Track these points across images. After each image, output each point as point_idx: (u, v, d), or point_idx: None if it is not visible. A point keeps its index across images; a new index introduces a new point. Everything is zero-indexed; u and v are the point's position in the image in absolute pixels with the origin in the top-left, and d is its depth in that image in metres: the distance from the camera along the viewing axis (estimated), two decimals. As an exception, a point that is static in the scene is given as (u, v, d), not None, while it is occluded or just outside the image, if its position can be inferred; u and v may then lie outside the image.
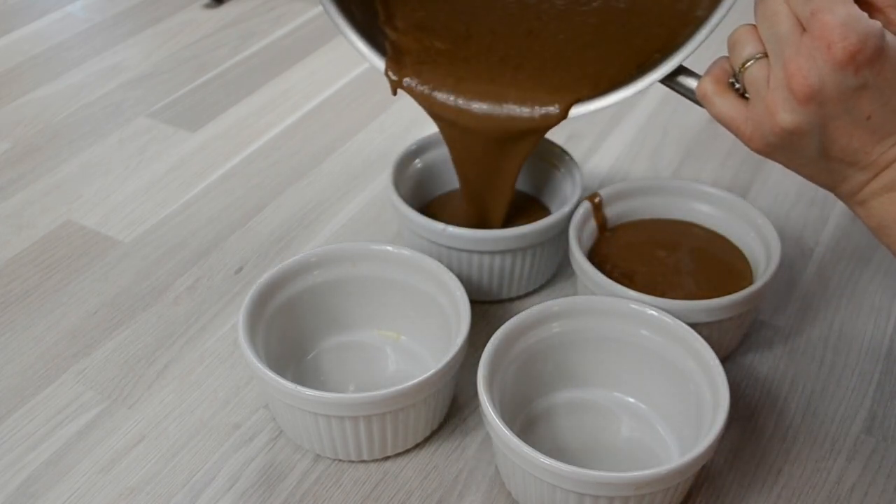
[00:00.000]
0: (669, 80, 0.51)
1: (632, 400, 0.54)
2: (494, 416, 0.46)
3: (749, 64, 0.44)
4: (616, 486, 0.44)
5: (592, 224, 0.61)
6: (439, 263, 0.55)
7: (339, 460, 0.52)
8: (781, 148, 0.44)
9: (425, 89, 0.55)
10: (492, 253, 0.59)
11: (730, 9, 0.49)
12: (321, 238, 0.69)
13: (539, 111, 0.53)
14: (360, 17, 0.57)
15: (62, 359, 0.59)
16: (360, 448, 0.51)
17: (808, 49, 0.40)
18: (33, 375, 0.58)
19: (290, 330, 0.56)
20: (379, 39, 0.56)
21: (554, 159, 0.65)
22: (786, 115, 0.42)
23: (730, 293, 0.54)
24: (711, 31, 0.50)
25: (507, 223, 0.62)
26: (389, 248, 0.57)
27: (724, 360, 0.57)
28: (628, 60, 0.53)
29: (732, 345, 0.58)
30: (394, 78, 0.55)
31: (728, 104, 0.45)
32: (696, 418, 0.49)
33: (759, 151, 0.45)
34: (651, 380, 0.53)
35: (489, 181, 0.59)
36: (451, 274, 0.55)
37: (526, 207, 0.65)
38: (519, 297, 0.63)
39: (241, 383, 0.57)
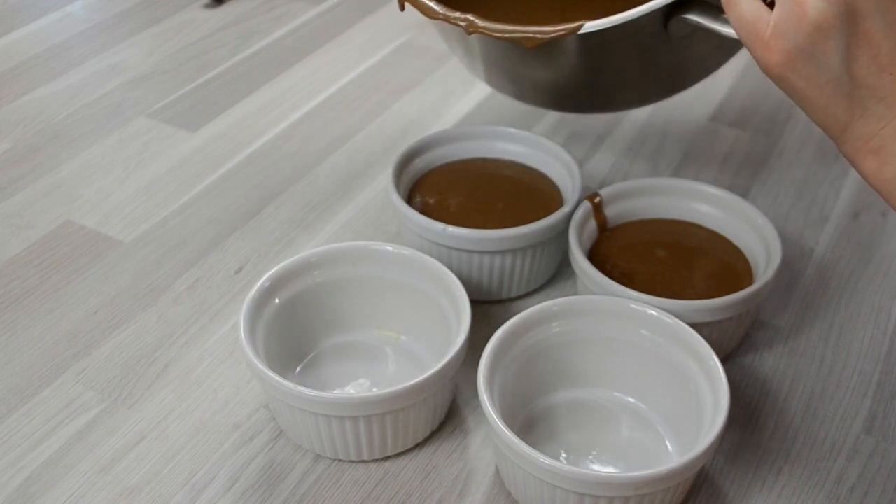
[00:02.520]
0: (687, 12, 0.48)
1: (632, 400, 0.54)
2: (494, 416, 0.46)
3: None
4: (616, 486, 0.44)
5: (592, 224, 0.61)
6: (439, 263, 0.55)
7: (339, 460, 0.52)
8: (804, 54, 0.40)
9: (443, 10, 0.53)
10: (492, 253, 0.59)
11: None
12: (321, 238, 0.69)
13: (556, 28, 0.51)
14: None
15: (62, 359, 0.59)
16: (360, 448, 0.51)
17: None
18: (33, 375, 0.58)
19: (290, 330, 0.56)
20: None
21: (554, 159, 0.65)
22: (816, 3, 0.39)
23: (730, 293, 0.54)
24: None
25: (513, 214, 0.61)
26: (389, 248, 0.57)
27: (724, 360, 0.57)
28: None
29: (732, 345, 0.58)
30: None
31: (752, 5, 0.42)
32: (696, 418, 0.49)
33: (776, 63, 0.41)
34: (651, 380, 0.53)
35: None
36: (451, 274, 0.55)
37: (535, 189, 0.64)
38: (519, 297, 0.63)
39: (241, 383, 0.57)
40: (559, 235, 0.61)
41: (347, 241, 0.60)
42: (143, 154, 0.78)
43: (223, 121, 0.83)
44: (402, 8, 0.54)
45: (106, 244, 0.68)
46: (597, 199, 0.61)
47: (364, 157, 0.78)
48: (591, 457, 0.51)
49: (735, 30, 0.43)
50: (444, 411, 0.54)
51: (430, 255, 0.58)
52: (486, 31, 0.52)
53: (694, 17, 0.49)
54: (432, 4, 0.55)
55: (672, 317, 0.51)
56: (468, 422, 0.55)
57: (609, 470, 0.50)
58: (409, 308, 0.57)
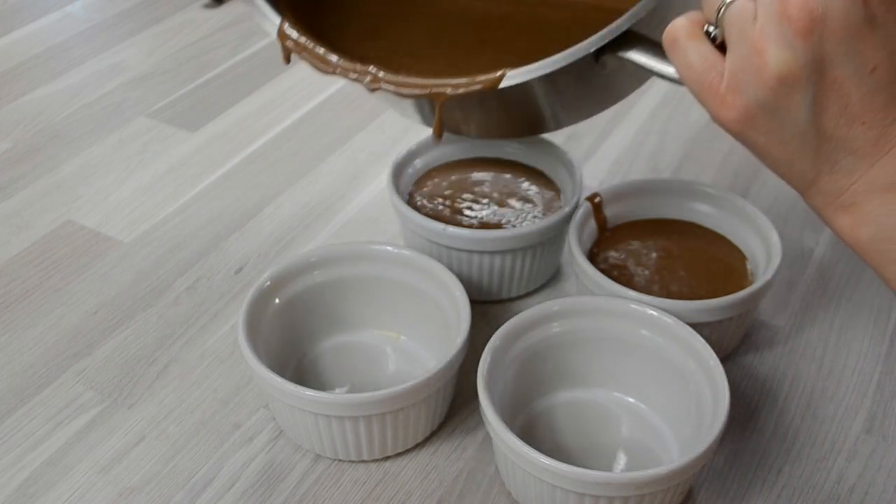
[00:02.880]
0: (621, 49, 0.42)
1: (632, 400, 0.54)
2: (494, 416, 0.46)
3: (729, 3, 0.36)
4: (616, 486, 0.44)
5: (592, 224, 0.61)
6: (439, 263, 0.55)
7: (339, 460, 0.52)
8: (766, 110, 0.36)
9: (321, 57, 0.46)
10: (492, 253, 0.59)
11: None
12: (321, 238, 0.69)
13: (474, 81, 0.45)
14: None
15: (62, 359, 0.59)
16: (360, 448, 0.51)
17: None
18: (33, 375, 0.58)
19: (290, 330, 0.56)
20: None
21: (554, 159, 0.65)
22: (778, 53, 0.34)
23: (730, 293, 0.54)
24: None
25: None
26: (389, 248, 0.57)
27: (724, 360, 0.57)
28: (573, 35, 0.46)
29: (732, 345, 0.58)
30: (287, 43, 0.47)
31: (701, 53, 0.37)
32: (696, 418, 0.49)
33: (733, 120, 0.37)
34: (651, 380, 0.53)
35: None
36: (451, 274, 0.55)
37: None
38: (519, 297, 0.63)
39: (241, 383, 0.57)
40: (559, 235, 0.61)
41: (347, 241, 0.60)
42: (143, 154, 0.78)
43: (223, 121, 0.83)
44: (288, 60, 0.48)
45: (106, 244, 0.68)
46: (597, 199, 0.61)
47: (364, 157, 0.78)
48: (591, 457, 0.51)
49: (682, 80, 0.38)
50: (444, 411, 0.54)
51: (431, 255, 0.59)
52: (391, 88, 0.46)
53: (630, 56, 0.42)
54: (326, 56, 0.47)
55: (672, 317, 0.51)
56: (468, 422, 0.55)
57: (609, 470, 0.50)
58: (409, 308, 0.57)
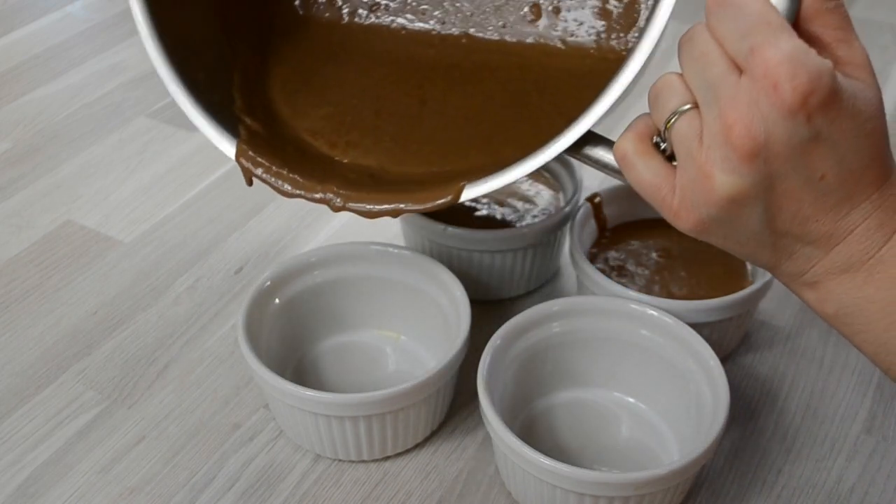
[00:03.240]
0: (577, 152, 0.42)
1: (632, 400, 0.54)
2: (494, 416, 0.46)
3: (675, 119, 0.36)
4: (616, 486, 0.44)
5: (592, 224, 0.61)
6: (439, 263, 0.55)
7: (339, 460, 0.52)
8: (718, 222, 0.37)
9: (285, 181, 0.46)
10: (492, 252, 0.59)
11: (648, 60, 0.39)
12: (321, 238, 0.69)
13: (429, 203, 0.45)
14: (211, 95, 0.48)
15: (62, 359, 0.59)
16: (360, 448, 0.51)
17: (750, 93, 0.33)
18: (33, 375, 0.58)
19: (290, 330, 0.56)
20: (232, 123, 0.48)
21: (554, 159, 0.65)
22: (725, 178, 0.35)
23: (730, 293, 0.54)
24: (627, 87, 0.40)
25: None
26: (389, 248, 0.57)
27: (724, 360, 0.57)
28: (529, 133, 0.46)
29: (732, 345, 0.58)
30: (247, 165, 0.47)
31: (652, 168, 0.38)
32: (696, 418, 0.49)
33: (689, 230, 0.38)
34: (651, 380, 0.53)
35: None
36: (451, 274, 0.55)
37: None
38: (519, 297, 0.63)
39: (241, 383, 0.57)
40: (559, 235, 0.61)
41: (347, 241, 0.59)
42: (143, 154, 0.78)
43: (223, 121, 0.83)
44: (250, 183, 0.48)
45: (106, 244, 0.68)
46: (597, 199, 0.61)
47: (364, 157, 0.78)
48: (591, 457, 0.51)
49: (637, 192, 0.39)
50: (444, 411, 0.54)
51: (431, 254, 0.59)
52: (356, 210, 0.46)
53: (588, 153, 0.42)
54: (286, 185, 0.47)
55: (672, 317, 0.51)
56: (468, 422, 0.54)
57: (609, 470, 0.50)
58: (409, 308, 0.57)
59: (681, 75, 0.37)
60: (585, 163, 0.42)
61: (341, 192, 0.46)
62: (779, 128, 0.33)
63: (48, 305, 0.63)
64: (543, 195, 0.64)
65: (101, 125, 0.82)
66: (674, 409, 0.52)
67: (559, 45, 0.50)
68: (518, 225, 0.61)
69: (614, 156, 0.39)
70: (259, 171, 0.47)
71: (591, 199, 0.61)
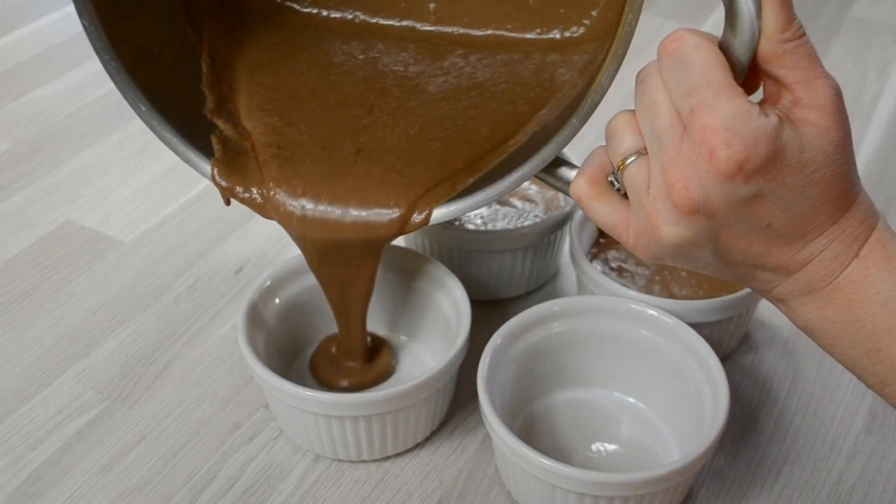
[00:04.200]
0: (543, 174, 0.43)
1: (632, 400, 0.54)
2: (494, 416, 0.46)
3: (629, 162, 0.37)
4: (616, 486, 0.44)
5: (592, 224, 0.61)
6: (439, 263, 0.55)
7: (339, 460, 0.52)
8: (672, 258, 0.38)
9: (279, 198, 0.45)
10: (492, 252, 0.59)
11: (604, 92, 0.40)
12: (321, 238, 0.69)
13: (391, 219, 0.45)
14: (174, 104, 0.46)
15: (62, 359, 0.59)
16: (360, 448, 0.51)
17: (689, 155, 0.34)
18: (33, 375, 0.58)
19: (290, 330, 0.56)
20: (201, 134, 0.47)
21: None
22: (668, 229, 0.36)
23: (730, 293, 0.54)
24: (586, 117, 0.41)
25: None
26: (389, 248, 0.57)
27: (724, 360, 0.57)
28: (491, 146, 0.45)
29: (732, 345, 0.58)
30: (225, 185, 0.46)
31: (607, 209, 0.39)
32: (696, 418, 0.49)
33: (646, 260, 0.39)
34: (651, 380, 0.53)
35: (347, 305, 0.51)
36: (451, 274, 0.55)
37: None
38: (519, 297, 0.63)
39: (241, 383, 0.57)
40: (559, 235, 0.61)
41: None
42: (143, 154, 0.78)
43: (223, 121, 0.83)
44: (228, 203, 0.47)
45: (106, 244, 0.68)
46: (597, 199, 0.61)
47: (364, 157, 0.78)
48: (591, 457, 0.51)
49: (597, 226, 0.40)
50: (444, 411, 0.54)
51: (431, 254, 0.59)
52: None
53: (549, 180, 0.43)
54: (259, 205, 0.46)
55: (672, 317, 0.51)
56: (468, 422, 0.55)
57: (609, 470, 0.50)
58: (409, 308, 0.57)
59: (635, 115, 0.37)
60: (552, 185, 0.43)
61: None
62: (716, 190, 0.34)
63: (48, 305, 0.63)
64: (543, 195, 0.64)
65: (101, 125, 0.82)
66: (674, 409, 0.52)
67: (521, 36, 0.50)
68: (518, 225, 0.61)
69: (571, 196, 0.41)
70: (236, 191, 0.46)
71: (591, 199, 0.61)
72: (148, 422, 0.54)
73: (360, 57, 0.50)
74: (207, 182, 0.76)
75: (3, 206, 0.72)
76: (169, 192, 0.74)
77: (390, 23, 0.51)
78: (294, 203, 0.45)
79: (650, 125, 0.36)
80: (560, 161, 0.42)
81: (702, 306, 0.53)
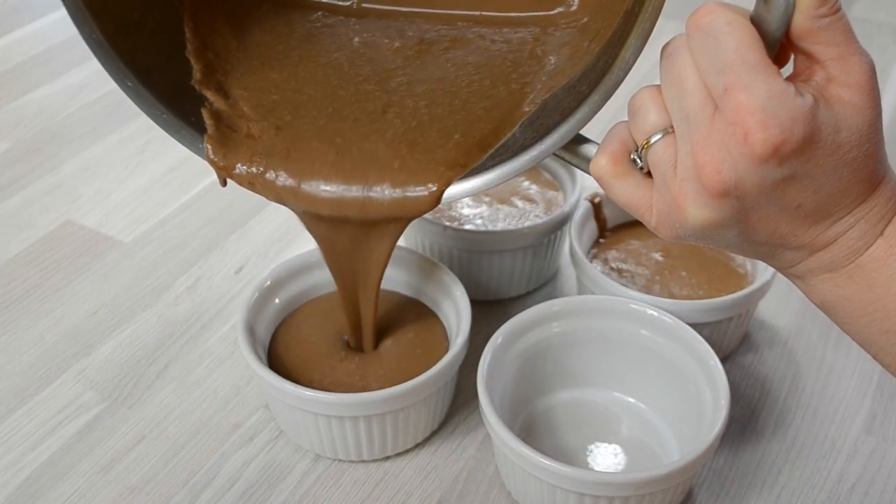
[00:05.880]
0: (562, 152, 0.41)
1: (632, 400, 0.54)
2: (494, 416, 0.46)
3: (654, 140, 0.36)
4: (616, 486, 0.44)
5: (592, 224, 0.61)
6: (439, 263, 0.55)
7: (339, 460, 0.52)
8: (695, 238, 0.37)
9: (270, 177, 0.43)
10: (492, 252, 0.59)
11: (629, 68, 0.38)
12: (321, 238, 0.69)
13: (411, 195, 0.43)
14: (160, 76, 0.44)
15: (62, 359, 0.59)
16: (360, 448, 0.51)
17: (721, 136, 0.33)
18: (33, 375, 0.58)
19: (290, 330, 0.56)
20: (191, 107, 0.44)
21: (554, 159, 0.65)
22: (696, 211, 0.35)
23: (730, 293, 0.54)
24: (609, 94, 0.39)
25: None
26: (389, 248, 0.57)
27: (724, 360, 0.57)
28: (506, 123, 0.44)
29: (732, 345, 0.58)
30: (221, 164, 0.44)
31: (629, 188, 0.38)
32: (696, 418, 0.49)
33: (669, 239, 0.38)
34: (651, 380, 0.53)
35: (356, 275, 0.49)
36: (451, 274, 0.55)
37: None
38: (519, 297, 0.63)
39: (241, 383, 0.57)
40: (559, 235, 0.61)
41: (347, 241, 0.60)
42: (143, 154, 0.78)
43: (223, 121, 0.83)
44: (224, 183, 0.46)
45: (106, 244, 0.68)
46: (597, 199, 0.61)
47: (364, 157, 0.78)
48: (591, 457, 0.51)
49: (618, 205, 0.39)
50: (444, 411, 0.54)
51: (431, 254, 0.59)
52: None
53: (570, 158, 0.41)
54: (260, 188, 0.44)
55: (672, 317, 0.51)
56: (468, 422, 0.54)
57: (609, 470, 0.50)
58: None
59: (660, 91, 0.36)
60: (569, 162, 0.42)
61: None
62: (749, 173, 0.33)
63: (48, 305, 0.63)
64: (543, 195, 0.64)
65: (101, 125, 0.82)
66: (674, 409, 0.52)
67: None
68: (518, 225, 0.61)
69: (591, 174, 0.39)
70: (234, 170, 0.45)
71: (591, 199, 0.61)
72: (148, 422, 0.54)
73: (355, 39, 0.49)
74: (207, 182, 0.77)
75: (3, 206, 0.72)
76: (169, 192, 0.74)
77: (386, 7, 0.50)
78: (289, 181, 0.43)
79: (678, 103, 0.34)
80: (580, 138, 0.41)
81: (702, 306, 0.53)
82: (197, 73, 0.45)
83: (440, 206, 0.44)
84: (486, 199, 0.63)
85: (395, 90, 0.46)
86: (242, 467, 0.52)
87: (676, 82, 0.34)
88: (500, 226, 0.61)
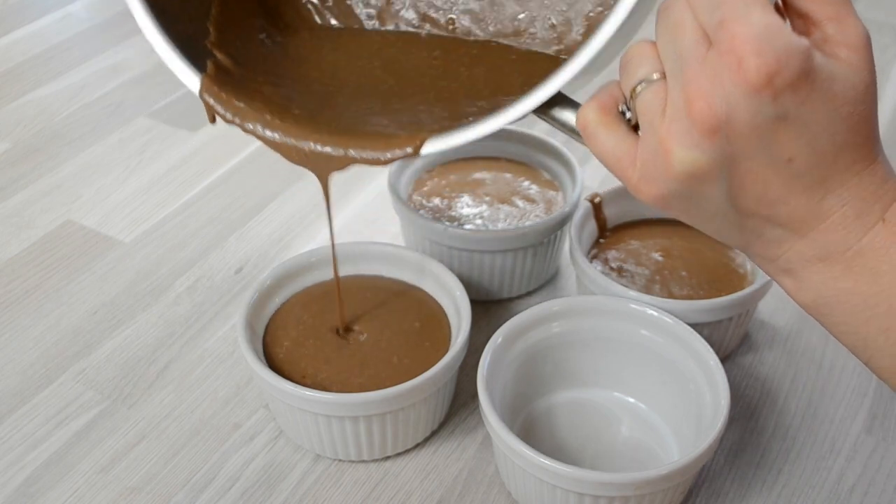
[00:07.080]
0: (545, 112, 0.39)
1: (632, 400, 0.54)
2: (494, 416, 0.46)
3: (642, 87, 0.34)
4: (616, 486, 0.44)
5: (592, 224, 0.61)
6: (439, 263, 0.55)
7: (339, 460, 0.52)
8: (679, 197, 0.35)
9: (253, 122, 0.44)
10: (492, 252, 0.59)
11: (625, 18, 0.36)
12: (321, 238, 0.69)
13: (388, 151, 0.42)
14: (181, 25, 0.44)
15: (62, 359, 0.59)
16: (360, 448, 0.51)
17: (714, 67, 0.31)
18: (33, 375, 0.58)
19: (290, 330, 0.56)
20: (200, 54, 0.44)
21: (554, 159, 0.65)
22: (683, 152, 0.33)
23: (730, 293, 0.54)
24: (600, 48, 0.37)
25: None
26: (389, 247, 0.57)
27: (724, 360, 0.57)
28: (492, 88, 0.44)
29: (732, 345, 0.58)
30: (212, 102, 0.44)
31: (613, 139, 0.36)
32: (696, 418, 0.49)
33: (650, 202, 0.36)
34: (651, 380, 0.53)
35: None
36: (451, 274, 0.55)
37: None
38: (519, 297, 0.63)
39: (241, 383, 0.57)
40: (559, 235, 0.61)
41: (348, 241, 0.59)
42: (143, 154, 0.78)
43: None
44: (213, 120, 0.46)
45: (106, 244, 0.68)
46: (597, 199, 0.61)
47: (364, 157, 0.78)
48: (591, 457, 0.51)
49: (599, 161, 0.37)
50: (444, 411, 0.54)
51: (431, 254, 0.58)
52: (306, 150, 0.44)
53: (556, 115, 0.39)
54: (250, 124, 0.44)
55: (672, 317, 0.51)
56: (468, 422, 0.54)
57: (609, 470, 0.50)
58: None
59: (654, 44, 0.35)
60: (552, 124, 0.40)
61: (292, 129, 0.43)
62: (741, 105, 0.31)
63: (48, 305, 0.63)
64: (543, 195, 0.64)
65: (101, 125, 0.82)
66: (674, 409, 0.52)
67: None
68: (518, 225, 0.61)
69: (577, 124, 0.37)
70: (221, 109, 0.44)
71: (591, 199, 0.61)
72: (148, 422, 0.54)
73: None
74: (207, 182, 0.77)
75: (3, 206, 0.72)
76: (169, 192, 0.74)
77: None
78: (277, 120, 0.43)
79: (672, 45, 0.33)
80: (567, 99, 0.39)
81: (702, 306, 0.53)
82: (213, 37, 0.46)
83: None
84: (487, 198, 0.63)
85: (405, 76, 0.46)
86: (242, 467, 0.52)
87: (672, 27, 0.33)
88: (500, 226, 0.61)
